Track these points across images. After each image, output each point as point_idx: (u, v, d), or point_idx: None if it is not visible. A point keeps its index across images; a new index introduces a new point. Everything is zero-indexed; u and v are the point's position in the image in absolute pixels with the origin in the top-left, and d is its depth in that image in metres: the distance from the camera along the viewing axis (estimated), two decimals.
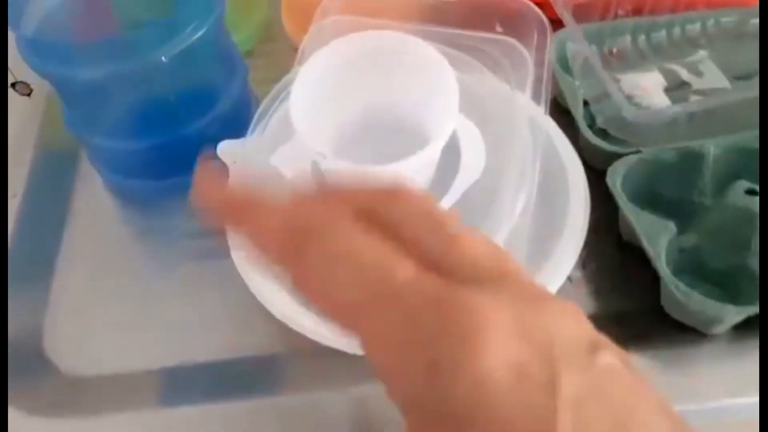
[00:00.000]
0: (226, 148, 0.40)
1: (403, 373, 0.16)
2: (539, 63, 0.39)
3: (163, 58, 0.37)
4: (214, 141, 0.40)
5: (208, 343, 0.38)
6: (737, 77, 0.45)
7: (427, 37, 0.37)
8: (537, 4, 0.40)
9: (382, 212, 0.18)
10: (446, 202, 0.35)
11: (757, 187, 0.35)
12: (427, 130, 0.33)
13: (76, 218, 0.45)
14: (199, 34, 0.38)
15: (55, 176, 0.47)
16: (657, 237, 0.35)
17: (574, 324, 0.17)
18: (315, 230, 0.18)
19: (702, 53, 0.47)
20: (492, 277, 0.17)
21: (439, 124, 0.32)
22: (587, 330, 0.17)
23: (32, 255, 0.43)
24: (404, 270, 0.17)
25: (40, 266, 0.42)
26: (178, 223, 0.44)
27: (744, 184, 0.36)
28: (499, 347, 0.15)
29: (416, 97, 0.35)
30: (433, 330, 0.16)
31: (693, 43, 0.48)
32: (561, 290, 0.35)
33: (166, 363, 0.38)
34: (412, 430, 0.17)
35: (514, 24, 0.42)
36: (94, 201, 0.46)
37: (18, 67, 0.58)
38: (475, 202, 0.34)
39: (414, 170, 0.34)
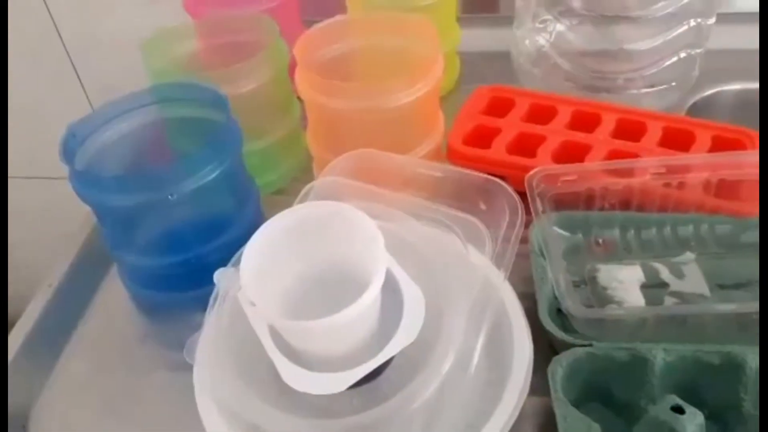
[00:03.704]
0: (220, 275, 0.45)
1: None
2: (506, 239, 0.42)
3: (171, 196, 0.44)
4: (228, 261, 0.46)
5: None
6: (720, 285, 0.46)
7: (403, 206, 0.43)
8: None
9: None
10: (383, 357, 0.38)
11: (684, 406, 0.35)
12: (365, 283, 0.36)
13: (94, 315, 0.53)
14: (218, 172, 0.46)
15: (87, 279, 0.55)
16: None
17: None
18: None
19: (689, 255, 0.48)
20: None
21: (370, 278, 0.35)
22: None
23: (48, 337, 0.51)
24: None
25: (50, 349, 0.50)
26: (181, 331, 0.49)
27: (673, 399, 0.35)
28: None
29: (352, 253, 0.39)
30: None
31: (682, 245, 0.49)
32: None
33: None
34: None
35: (494, 203, 0.46)
36: (113, 305, 0.54)
37: None
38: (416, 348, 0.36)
39: (354, 318, 0.37)
